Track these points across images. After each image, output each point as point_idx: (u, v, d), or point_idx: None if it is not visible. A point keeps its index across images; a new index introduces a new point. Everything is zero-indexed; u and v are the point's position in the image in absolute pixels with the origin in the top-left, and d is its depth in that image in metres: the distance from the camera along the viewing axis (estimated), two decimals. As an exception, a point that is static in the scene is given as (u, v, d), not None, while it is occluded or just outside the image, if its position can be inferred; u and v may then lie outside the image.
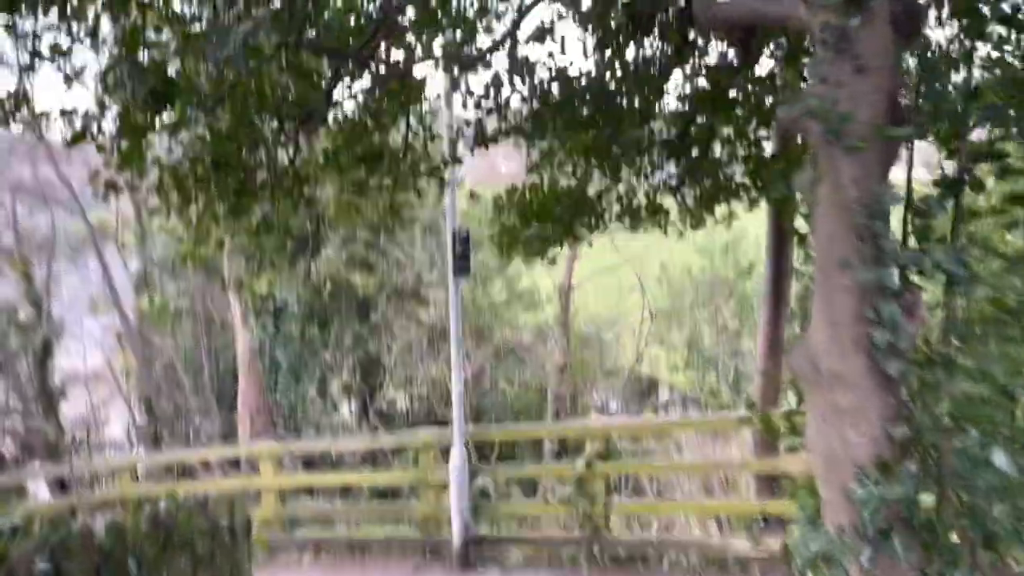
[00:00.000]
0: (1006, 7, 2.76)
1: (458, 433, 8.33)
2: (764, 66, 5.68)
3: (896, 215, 2.71)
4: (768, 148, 6.01)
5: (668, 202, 6.45)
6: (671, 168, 6.20)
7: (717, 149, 5.74)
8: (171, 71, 4.38)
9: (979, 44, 2.83)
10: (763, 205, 6.93)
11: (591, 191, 6.01)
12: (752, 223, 22.02)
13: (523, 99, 5.25)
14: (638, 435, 8.79)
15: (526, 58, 5.15)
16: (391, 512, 9.44)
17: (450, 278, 8.20)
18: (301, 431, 12.82)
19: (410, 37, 4.82)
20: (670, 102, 5.65)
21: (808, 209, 2.83)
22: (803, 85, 4.62)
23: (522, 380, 17.80)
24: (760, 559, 6.88)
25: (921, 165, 3.06)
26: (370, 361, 17.08)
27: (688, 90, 5.58)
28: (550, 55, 5.25)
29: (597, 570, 7.60)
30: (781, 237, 6.96)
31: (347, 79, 5.10)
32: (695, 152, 5.60)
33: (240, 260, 11.04)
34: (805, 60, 5.16)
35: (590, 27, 5.36)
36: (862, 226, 2.44)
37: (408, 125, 5.36)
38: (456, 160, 5.71)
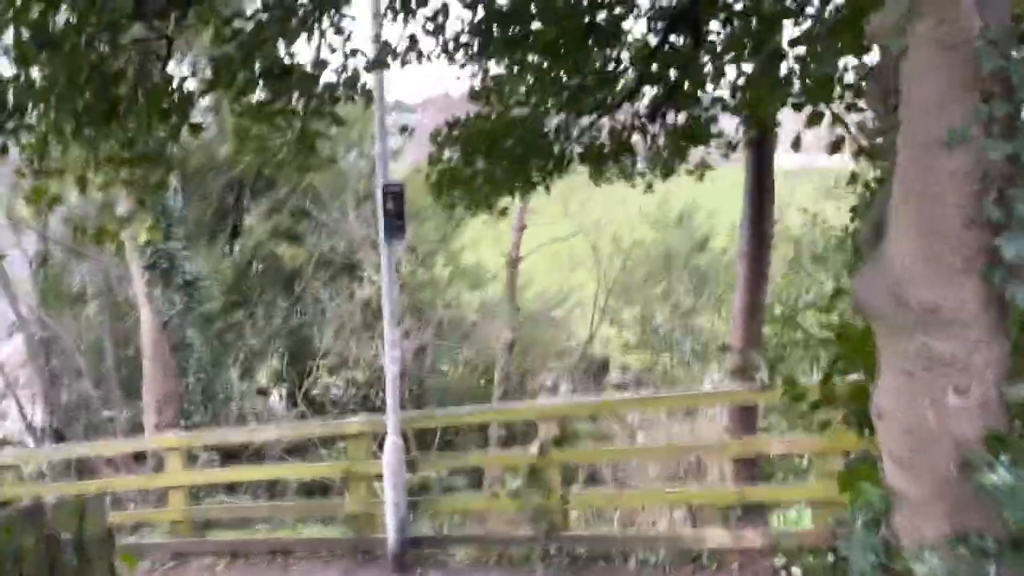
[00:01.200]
0: None
1: (393, 419, 7.40)
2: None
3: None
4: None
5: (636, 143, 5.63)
6: (641, 103, 5.37)
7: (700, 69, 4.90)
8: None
9: None
10: (738, 155, 6.19)
11: (548, 126, 5.13)
12: (706, 196, 21.56)
13: (465, 5, 4.31)
14: (598, 415, 8.02)
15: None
16: (318, 510, 8.47)
17: (382, 242, 7.22)
18: (220, 421, 11.67)
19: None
20: (642, 15, 4.79)
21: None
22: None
23: (466, 361, 16.93)
24: (739, 551, 6.18)
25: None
26: (299, 342, 15.95)
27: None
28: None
29: (554, 571, 6.79)
30: (761, 187, 6.21)
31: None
32: (672, 74, 4.76)
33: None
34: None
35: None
36: (990, 74, 1.61)
37: (321, 31, 4.36)
38: (380, 66, 4.71)
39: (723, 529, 6.33)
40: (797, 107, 5.14)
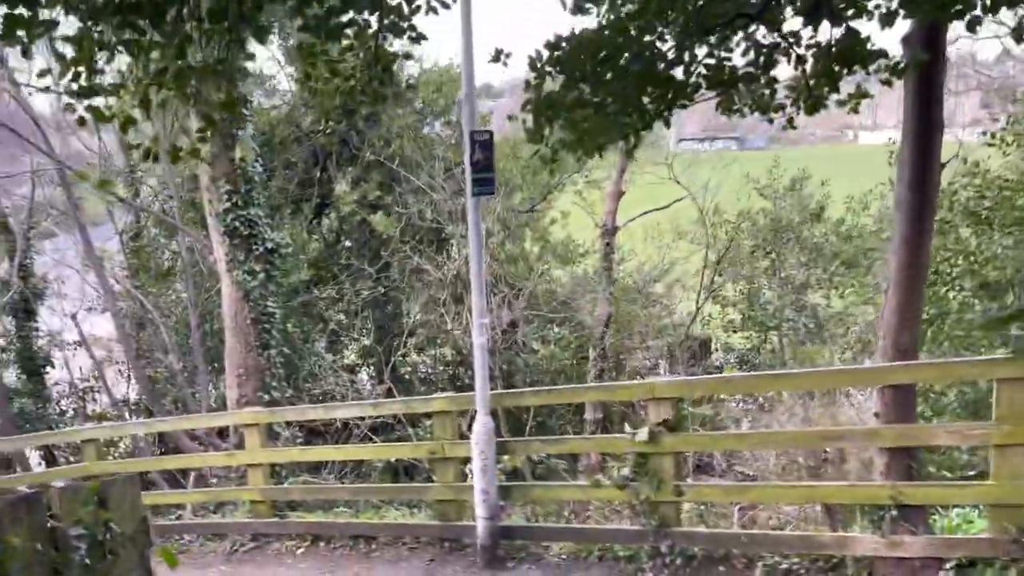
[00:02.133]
0: None
1: (481, 396, 6.72)
2: None
3: None
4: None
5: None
6: (784, 14, 4.41)
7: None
8: None
9: None
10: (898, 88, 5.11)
11: (668, 41, 4.23)
12: (819, 165, 19.91)
13: None
14: (722, 395, 7.11)
15: None
16: (404, 493, 7.91)
17: (468, 198, 6.50)
18: (303, 398, 11.35)
19: None
20: None
21: None
22: None
23: (558, 339, 16.15)
24: (894, 560, 5.20)
25: None
26: (387, 317, 15.56)
27: None
28: None
29: (665, 572, 5.98)
30: (927, 121, 5.11)
31: None
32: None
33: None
34: None
35: None
36: None
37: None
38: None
39: (873, 533, 5.35)
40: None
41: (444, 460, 7.25)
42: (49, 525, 2.35)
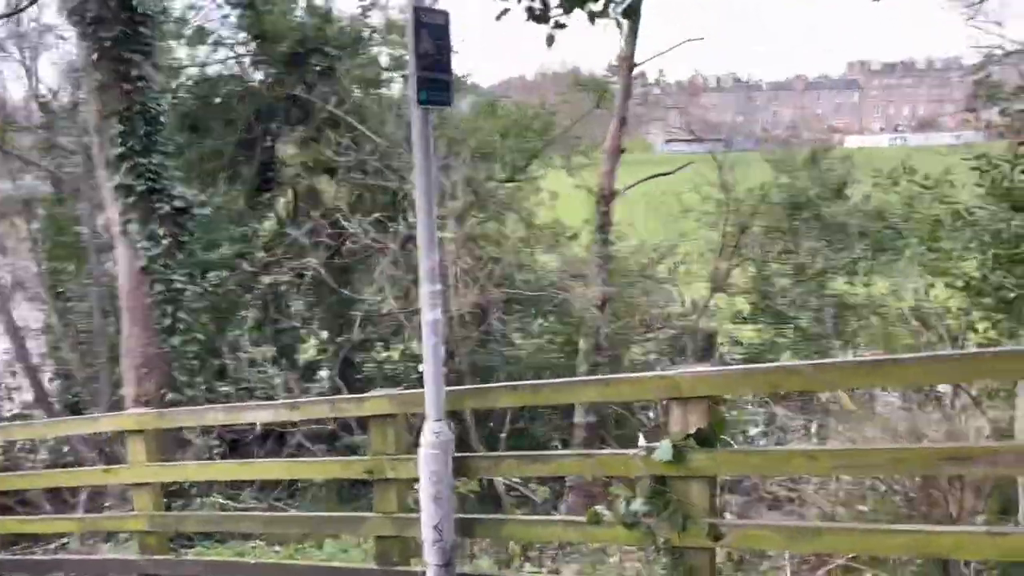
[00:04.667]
0: None
1: (433, 395, 4.91)
2: None
3: None
4: None
5: None
6: None
7: None
8: None
9: None
10: None
11: None
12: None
13: None
14: (790, 391, 5.30)
15: None
16: (331, 525, 6.10)
17: (413, 108, 4.67)
18: (226, 397, 9.48)
19: None
20: None
21: None
22: None
23: (543, 331, 14.34)
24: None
25: None
26: (344, 304, 13.67)
27: None
28: None
29: (694, 652, 4.20)
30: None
31: None
32: None
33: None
34: None
35: None
36: None
37: None
38: None
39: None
40: None
41: (385, 482, 5.43)
42: None
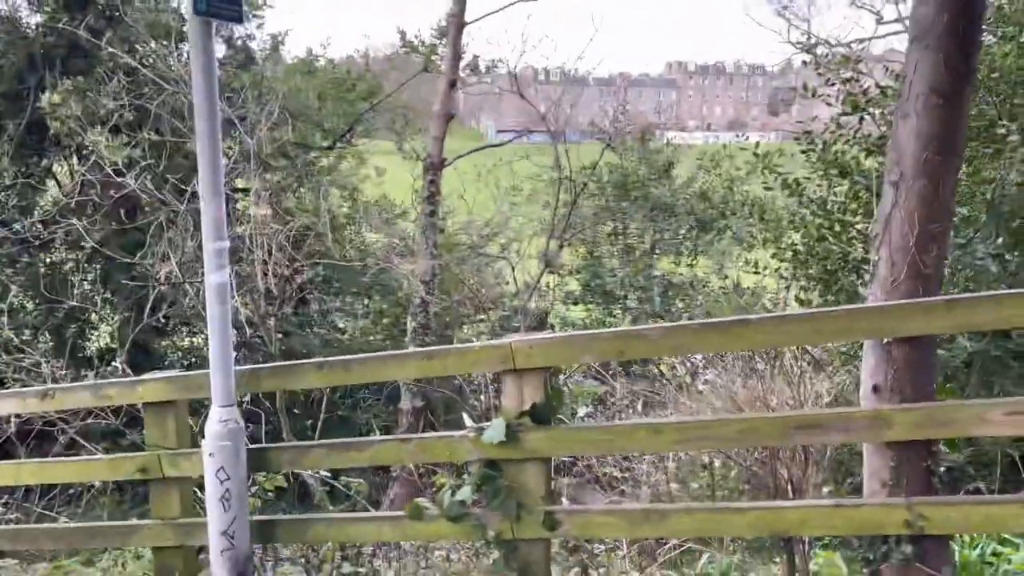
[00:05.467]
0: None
1: (220, 377, 4.12)
2: None
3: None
4: None
5: None
6: None
7: None
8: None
9: None
10: None
11: None
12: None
13: None
14: (633, 358, 4.84)
15: None
16: (95, 538, 5.12)
17: (189, 15, 3.83)
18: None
19: None
20: None
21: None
22: None
23: (368, 312, 13.55)
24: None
25: None
26: (137, 283, 12.16)
27: None
28: None
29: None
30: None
31: None
32: None
33: None
34: None
35: None
36: None
37: None
38: None
39: (875, 580, 3.41)
40: None
41: (164, 482, 4.55)
42: None
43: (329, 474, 5.71)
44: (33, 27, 13.43)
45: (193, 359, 15.36)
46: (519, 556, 3.84)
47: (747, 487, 4.20)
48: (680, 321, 13.47)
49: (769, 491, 3.77)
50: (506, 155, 15.86)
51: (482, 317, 13.36)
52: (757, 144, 8.26)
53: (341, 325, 14.52)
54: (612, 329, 6.40)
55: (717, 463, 4.81)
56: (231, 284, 4.74)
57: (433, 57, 14.98)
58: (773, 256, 7.46)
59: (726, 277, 14.09)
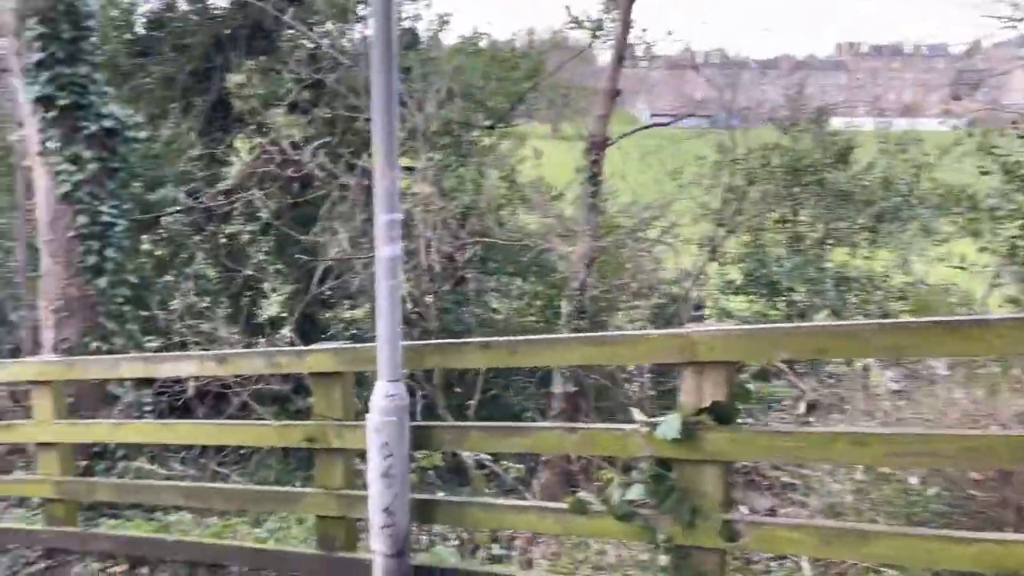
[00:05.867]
0: None
1: (387, 351, 4.07)
2: None
3: None
4: None
5: None
6: None
7: None
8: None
9: None
10: None
11: None
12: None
13: None
14: (842, 357, 4.47)
15: None
16: (264, 502, 5.29)
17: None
18: (162, 348, 8.56)
19: None
20: None
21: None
22: None
23: (521, 294, 13.50)
24: None
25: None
26: (308, 254, 12.72)
27: None
28: None
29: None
30: None
31: None
32: None
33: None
34: None
35: None
36: None
37: None
38: None
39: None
40: None
41: (328, 452, 4.61)
42: None
43: (489, 456, 5.64)
44: (221, 8, 14.25)
45: (356, 330, 15.97)
46: (690, 564, 3.56)
47: (955, 511, 3.69)
48: (858, 319, 12.51)
49: (993, 521, 3.28)
50: (665, 139, 15.29)
51: (637, 303, 12.99)
52: (972, 123, 7.40)
53: (495, 305, 14.57)
54: (811, 324, 5.92)
55: (913, 480, 4.28)
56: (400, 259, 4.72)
57: (598, 33, 14.67)
58: (982, 250, 6.66)
59: (910, 272, 12.93)
